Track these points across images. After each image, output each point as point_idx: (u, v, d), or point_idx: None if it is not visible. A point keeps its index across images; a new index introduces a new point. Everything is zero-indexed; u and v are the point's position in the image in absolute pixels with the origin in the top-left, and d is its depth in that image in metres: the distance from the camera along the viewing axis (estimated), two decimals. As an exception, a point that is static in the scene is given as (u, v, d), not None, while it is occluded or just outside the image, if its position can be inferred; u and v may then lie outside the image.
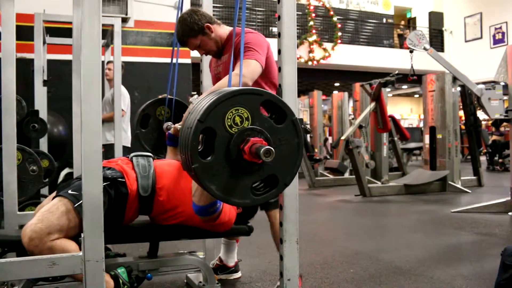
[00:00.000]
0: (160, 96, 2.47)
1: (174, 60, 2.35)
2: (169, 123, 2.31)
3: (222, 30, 2.22)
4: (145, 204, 1.85)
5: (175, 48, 2.37)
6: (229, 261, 2.56)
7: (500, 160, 9.60)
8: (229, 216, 1.92)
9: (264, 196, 1.32)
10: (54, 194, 1.81)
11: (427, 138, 6.78)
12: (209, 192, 1.26)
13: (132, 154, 1.98)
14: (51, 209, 1.63)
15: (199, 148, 1.25)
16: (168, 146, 2.27)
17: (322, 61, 13.08)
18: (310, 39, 12.94)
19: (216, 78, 2.32)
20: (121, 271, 1.73)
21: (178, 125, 2.16)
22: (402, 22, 16.19)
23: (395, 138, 7.65)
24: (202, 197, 1.71)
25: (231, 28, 2.24)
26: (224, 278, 2.53)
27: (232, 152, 1.25)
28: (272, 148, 1.20)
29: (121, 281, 1.69)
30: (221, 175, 1.25)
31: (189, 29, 2.12)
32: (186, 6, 6.25)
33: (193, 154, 1.22)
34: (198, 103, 1.31)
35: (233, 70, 1.70)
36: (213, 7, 2.50)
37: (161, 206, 1.86)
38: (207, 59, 2.51)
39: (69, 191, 1.68)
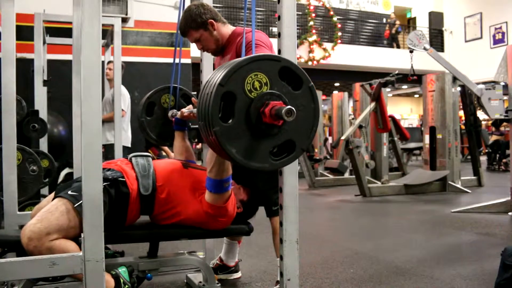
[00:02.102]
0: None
1: (177, 60, 2.35)
2: (174, 110, 2.33)
3: (225, 29, 2.22)
4: (147, 203, 1.85)
5: (177, 48, 2.37)
6: (230, 261, 2.56)
7: (504, 160, 9.57)
8: (233, 206, 1.93)
9: (282, 161, 1.34)
10: (52, 195, 1.81)
11: (427, 138, 6.78)
12: (229, 155, 1.26)
13: (131, 155, 1.99)
14: (51, 209, 1.63)
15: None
16: (176, 131, 2.29)
17: (322, 61, 13.07)
18: (310, 39, 12.93)
19: None
20: (122, 270, 1.72)
21: (184, 110, 2.19)
22: (392, 15, 15.65)
23: (395, 138, 7.64)
24: (219, 171, 1.76)
25: (234, 28, 2.25)
26: (224, 278, 2.53)
27: (252, 115, 1.26)
28: (293, 108, 1.21)
29: (122, 280, 1.69)
30: (241, 138, 1.27)
31: (192, 20, 2.12)
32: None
33: (213, 117, 1.22)
34: (214, 73, 1.31)
35: None
36: (213, 7, 2.49)
37: (162, 205, 1.87)
38: (207, 60, 2.51)
39: (69, 192, 1.69)
